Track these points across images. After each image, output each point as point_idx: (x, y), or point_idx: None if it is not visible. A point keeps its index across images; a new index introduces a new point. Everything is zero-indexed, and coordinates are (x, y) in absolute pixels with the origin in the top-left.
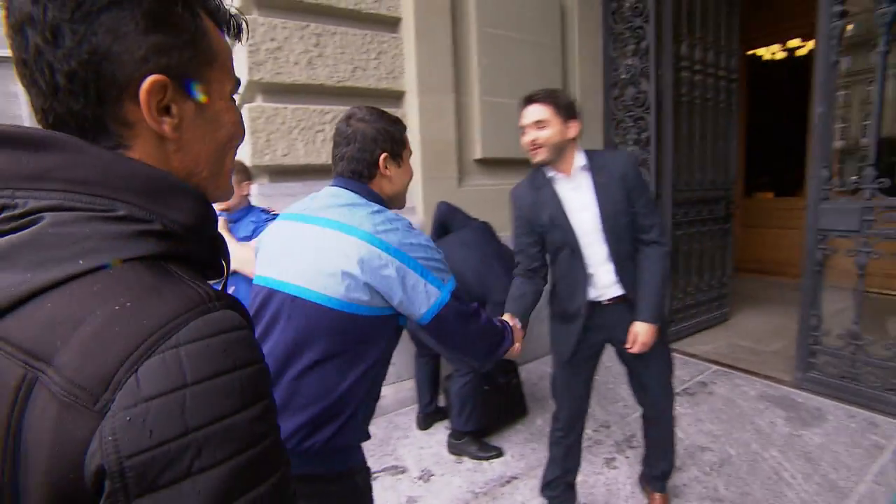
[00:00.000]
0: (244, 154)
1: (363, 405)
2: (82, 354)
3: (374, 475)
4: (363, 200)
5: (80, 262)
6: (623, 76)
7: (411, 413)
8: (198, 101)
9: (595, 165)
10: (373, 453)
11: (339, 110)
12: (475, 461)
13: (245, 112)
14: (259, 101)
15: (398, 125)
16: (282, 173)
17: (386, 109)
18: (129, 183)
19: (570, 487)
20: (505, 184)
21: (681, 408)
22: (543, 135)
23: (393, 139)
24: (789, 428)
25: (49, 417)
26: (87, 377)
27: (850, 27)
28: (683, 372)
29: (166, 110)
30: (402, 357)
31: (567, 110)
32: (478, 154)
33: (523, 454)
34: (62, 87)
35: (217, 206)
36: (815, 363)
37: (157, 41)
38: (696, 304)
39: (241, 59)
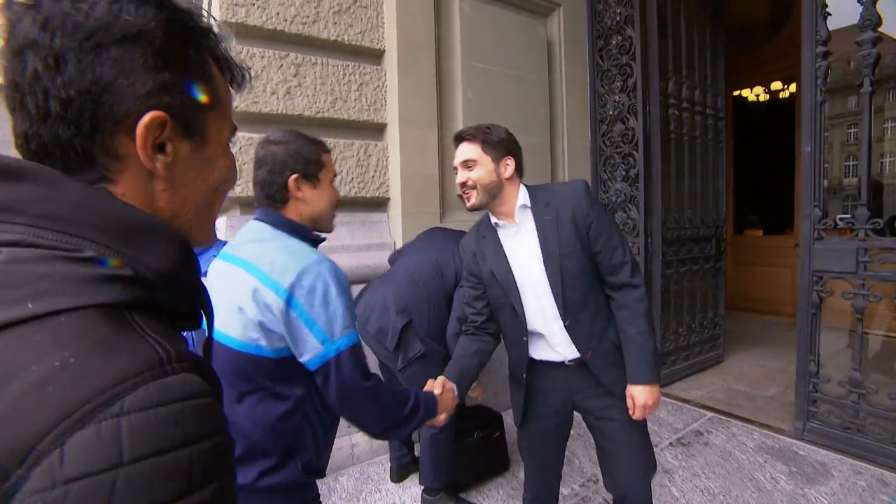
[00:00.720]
0: None
1: (303, 445)
2: (3, 418)
3: None
4: (273, 233)
5: (29, 305)
6: (611, 112)
7: (386, 463)
8: (194, 141)
9: (538, 203)
10: None
11: None
12: None
13: None
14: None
15: (316, 146)
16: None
17: (367, 142)
18: (104, 222)
19: None
20: None
21: (675, 460)
22: (473, 176)
23: (307, 160)
24: (792, 486)
25: None
26: (16, 450)
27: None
28: (676, 419)
29: (161, 148)
30: None
31: (500, 147)
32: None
33: None
34: (54, 113)
35: None
36: (816, 412)
37: (164, 79)
38: (689, 345)
39: None
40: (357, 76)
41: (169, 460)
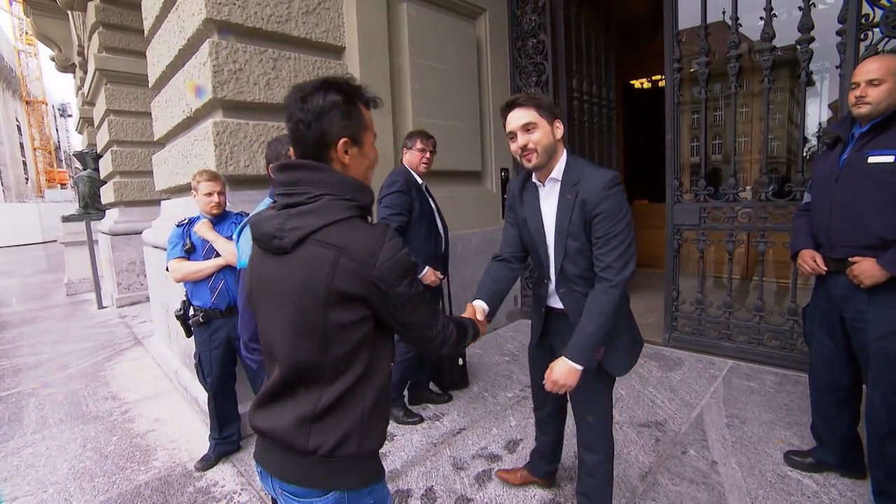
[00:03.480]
0: (211, 165)
1: None
2: (359, 249)
3: None
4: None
5: (340, 215)
6: None
7: None
8: (359, 146)
9: (568, 179)
10: None
11: None
12: (427, 422)
13: (210, 126)
14: (220, 117)
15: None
16: (244, 182)
17: None
18: (351, 185)
19: (546, 453)
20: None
21: None
22: (534, 138)
23: (277, 154)
24: (660, 373)
25: (354, 270)
26: (364, 257)
27: (692, 70)
28: None
29: (346, 153)
30: None
31: (550, 110)
32: None
33: (467, 412)
34: (310, 144)
35: (207, 214)
36: (676, 326)
37: (346, 123)
38: None
39: (206, 77)
40: (324, 69)
41: (401, 257)
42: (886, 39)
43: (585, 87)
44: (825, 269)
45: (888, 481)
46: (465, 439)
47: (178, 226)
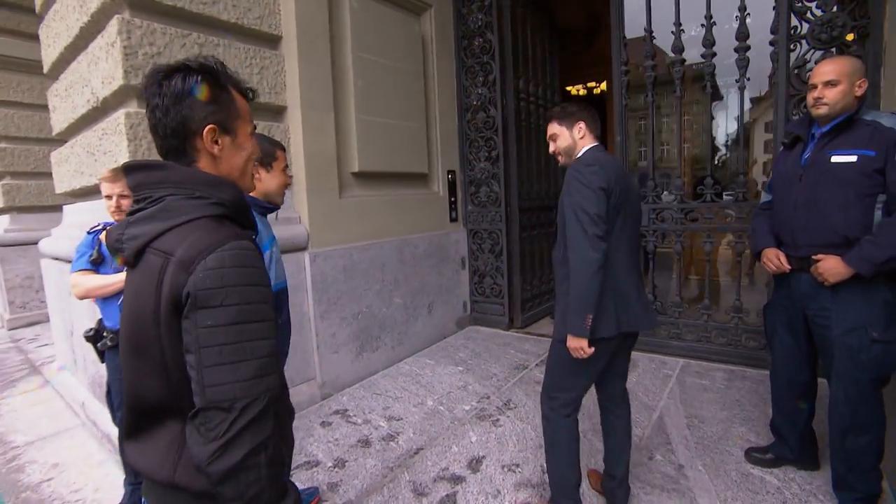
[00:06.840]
0: (124, 159)
1: None
2: (186, 251)
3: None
4: None
5: (183, 217)
6: (474, 102)
7: (309, 415)
8: (231, 136)
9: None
10: None
11: None
12: (381, 443)
13: (122, 118)
14: (135, 107)
15: (272, 144)
16: None
17: (269, 124)
18: (199, 181)
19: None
20: (378, 195)
21: (540, 374)
22: (558, 144)
23: (264, 153)
24: None
25: (173, 276)
26: (187, 260)
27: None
28: (539, 347)
29: (216, 142)
30: (299, 356)
31: (572, 116)
32: (355, 168)
33: (423, 429)
34: (169, 133)
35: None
36: None
37: (212, 108)
38: (542, 293)
39: (115, 60)
40: (258, 60)
41: (241, 270)
42: (812, 50)
43: (531, 88)
44: (789, 267)
45: (849, 474)
46: (423, 460)
47: (88, 233)
